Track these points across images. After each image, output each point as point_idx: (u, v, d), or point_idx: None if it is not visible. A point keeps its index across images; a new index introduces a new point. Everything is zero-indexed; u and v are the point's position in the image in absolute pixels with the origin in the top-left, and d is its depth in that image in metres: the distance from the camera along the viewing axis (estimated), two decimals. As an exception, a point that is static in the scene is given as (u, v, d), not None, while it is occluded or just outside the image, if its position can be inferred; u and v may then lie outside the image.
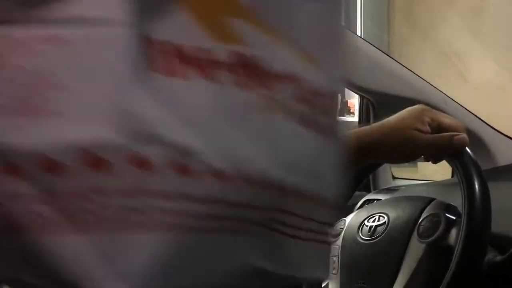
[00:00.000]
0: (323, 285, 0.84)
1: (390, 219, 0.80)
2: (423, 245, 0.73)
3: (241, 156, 0.30)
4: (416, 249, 0.74)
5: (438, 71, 2.67)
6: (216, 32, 0.30)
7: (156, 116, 0.28)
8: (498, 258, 0.67)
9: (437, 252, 0.72)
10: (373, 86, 1.16)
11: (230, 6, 0.31)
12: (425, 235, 0.74)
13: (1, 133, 0.27)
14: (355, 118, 1.49)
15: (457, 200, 0.71)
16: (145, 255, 0.28)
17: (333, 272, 0.82)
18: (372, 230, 0.81)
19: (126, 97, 0.28)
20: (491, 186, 0.66)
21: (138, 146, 0.28)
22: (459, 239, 0.65)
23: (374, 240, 0.80)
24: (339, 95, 0.37)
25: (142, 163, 0.28)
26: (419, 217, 0.77)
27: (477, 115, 1.17)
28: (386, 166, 1.29)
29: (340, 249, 0.83)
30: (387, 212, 0.82)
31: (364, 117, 1.26)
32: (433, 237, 0.72)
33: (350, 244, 0.82)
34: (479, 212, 0.65)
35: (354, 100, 1.97)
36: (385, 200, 0.94)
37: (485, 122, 1.18)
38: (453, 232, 0.71)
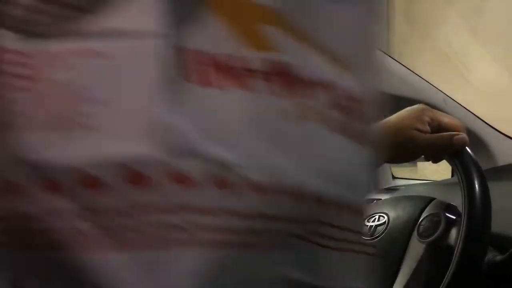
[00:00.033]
0: None
1: (390, 219, 0.80)
2: (423, 245, 0.73)
3: (278, 167, 0.29)
4: (416, 249, 0.74)
5: (438, 71, 2.67)
6: (249, 39, 0.29)
7: (193, 129, 0.27)
8: (498, 258, 0.67)
9: (437, 252, 0.72)
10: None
11: (262, 13, 0.30)
12: (425, 235, 0.74)
13: (38, 148, 0.26)
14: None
15: (457, 200, 0.71)
16: (185, 272, 0.27)
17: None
18: (372, 230, 0.81)
19: (163, 110, 0.27)
20: (491, 186, 0.66)
21: (177, 160, 0.27)
22: (459, 238, 0.65)
23: (374, 240, 0.80)
24: (374, 100, 0.36)
25: (182, 178, 0.27)
26: (419, 217, 0.77)
27: (477, 115, 1.17)
28: (386, 166, 1.29)
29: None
30: (387, 212, 0.82)
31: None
32: (433, 237, 0.72)
33: (350, 244, 0.82)
34: (479, 212, 0.65)
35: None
36: (385, 200, 0.94)
37: (485, 122, 1.18)
38: (453, 231, 0.71)
